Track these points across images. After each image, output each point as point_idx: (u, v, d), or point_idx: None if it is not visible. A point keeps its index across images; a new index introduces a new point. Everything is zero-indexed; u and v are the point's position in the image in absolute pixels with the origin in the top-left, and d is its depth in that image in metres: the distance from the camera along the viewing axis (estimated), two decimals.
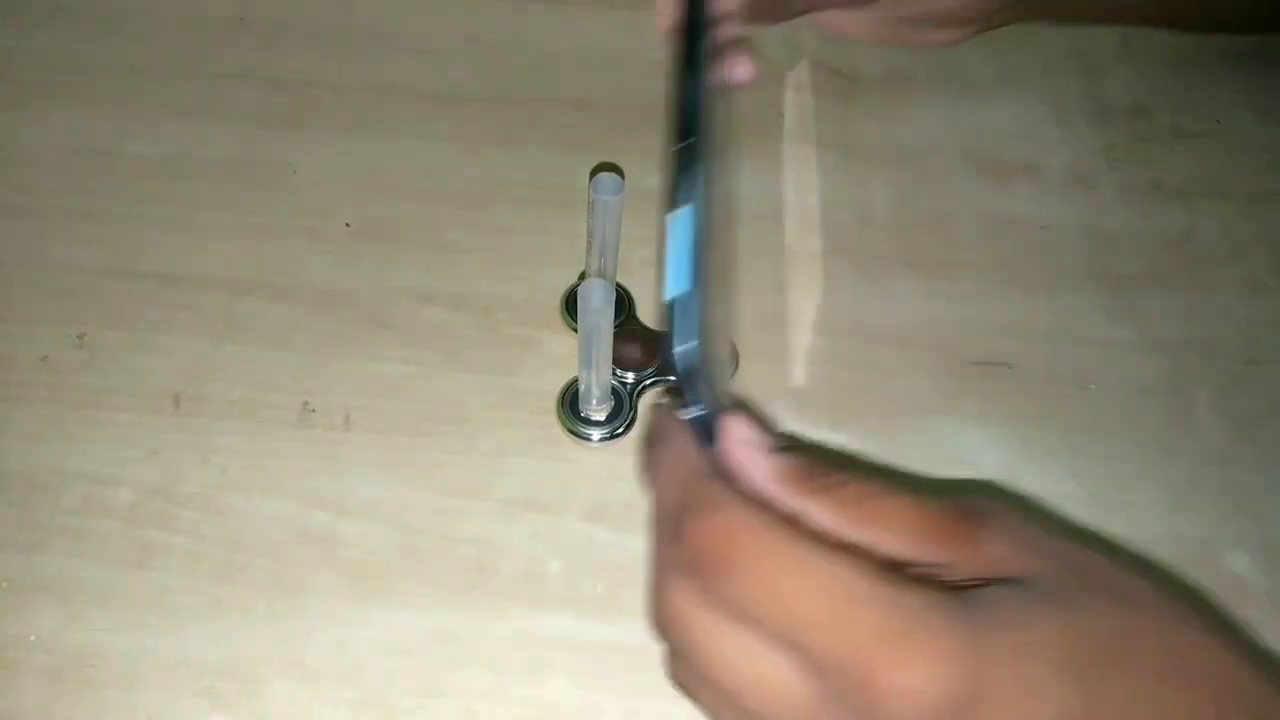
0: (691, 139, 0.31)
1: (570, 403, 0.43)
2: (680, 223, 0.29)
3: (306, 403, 0.44)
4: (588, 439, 0.43)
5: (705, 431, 0.30)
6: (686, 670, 0.29)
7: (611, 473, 0.42)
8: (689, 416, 0.30)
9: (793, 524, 0.27)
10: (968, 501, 0.29)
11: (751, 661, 0.27)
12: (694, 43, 0.34)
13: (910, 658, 0.25)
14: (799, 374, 0.45)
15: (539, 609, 0.39)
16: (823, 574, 0.26)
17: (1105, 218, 0.52)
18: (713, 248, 0.30)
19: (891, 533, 0.28)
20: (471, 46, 0.58)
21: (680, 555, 0.27)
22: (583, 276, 0.47)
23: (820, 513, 0.28)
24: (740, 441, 0.29)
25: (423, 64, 0.56)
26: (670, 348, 0.28)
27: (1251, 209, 0.52)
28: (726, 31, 0.41)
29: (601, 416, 0.43)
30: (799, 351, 0.46)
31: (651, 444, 0.31)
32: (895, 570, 0.27)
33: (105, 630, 0.38)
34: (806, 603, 0.25)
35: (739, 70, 0.42)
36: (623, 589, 0.39)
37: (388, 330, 0.46)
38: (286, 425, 0.43)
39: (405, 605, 0.39)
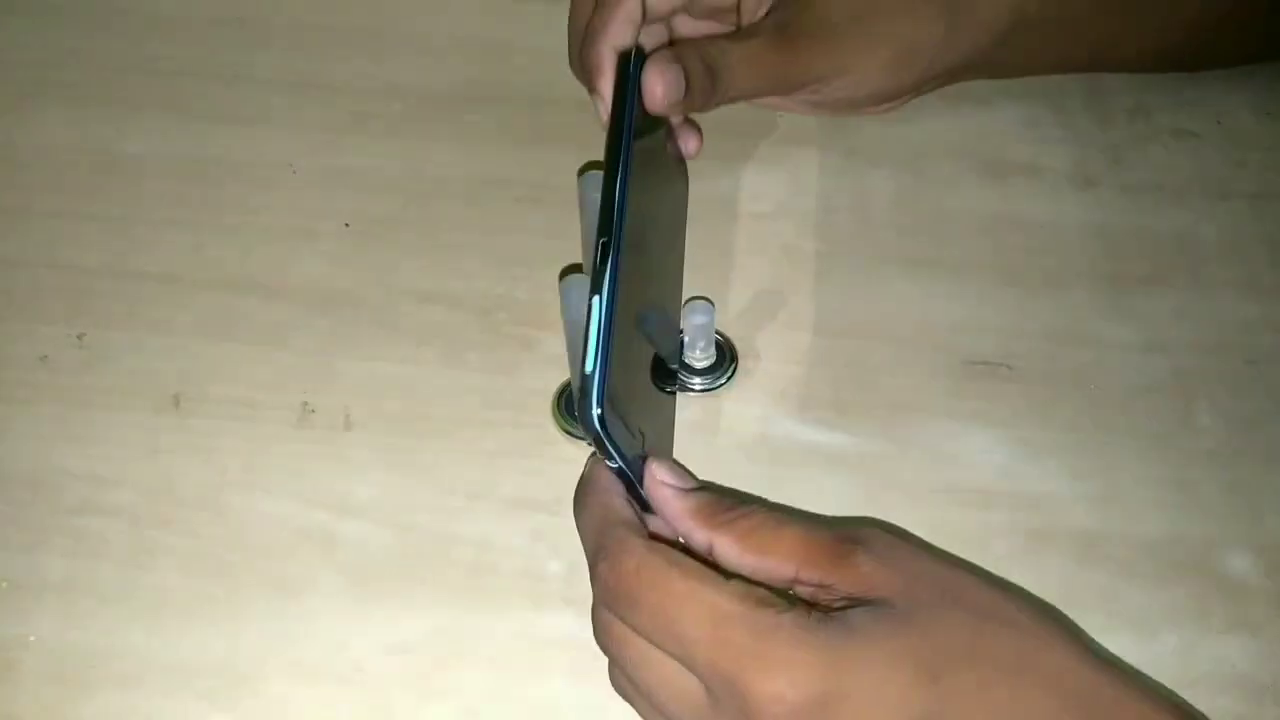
0: (606, 238, 0.36)
1: (565, 403, 0.44)
2: (595, 309, 0.35)
3: (306, 403, 0.44)
4: (582, 438, 0.43)
5: (626, 478, 0.36)
6: (619, 677, 0.35)
7: None
8: (611, 466, 0.36)
9: (686, 559, 0.32)
10: (848, 530, 0.34)
11: (659, 671, 0.32)
12: (617, 147, 0.39)
13: (773, 667, 0.30)
14: (798, 374, 0.45)
15: (539, 609, 0.39)
16: (704, 602, 0.31)
17: (1106, 218, 0.52)
18: (626, 327, 0.36)
19: (783, 558, 0.33)
20: (471, 46, 0.58)
21: (598, 589, 0.34)
22: (563, 274, 0.47)
23: (725, 543, 0.34)
24: (661, 483, 0.35)
25: (423, 64, 0.56)
26: (584, 413, 0.34)
27: (1252, 209, 0.52)
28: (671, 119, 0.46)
29: None
30: (798, 351, 0.46)
31: (578, 492, 0.37)
32: (787, 589, 0.33)
33: (105, 630, 0.38)
34: (691, 627, 0.31)
35: (689, 145, 0.48)
36: None
37: (388, 330, 0.46)
38: (286, 425, 0.43)
39: (405, 605, 0.39)
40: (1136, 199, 0.52)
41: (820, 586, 0.33)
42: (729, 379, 0.45)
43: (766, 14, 0.48)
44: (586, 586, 0.39)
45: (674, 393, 0.44)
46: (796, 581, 0.33)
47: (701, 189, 0.50)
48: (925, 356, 0.46)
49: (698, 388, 0.44)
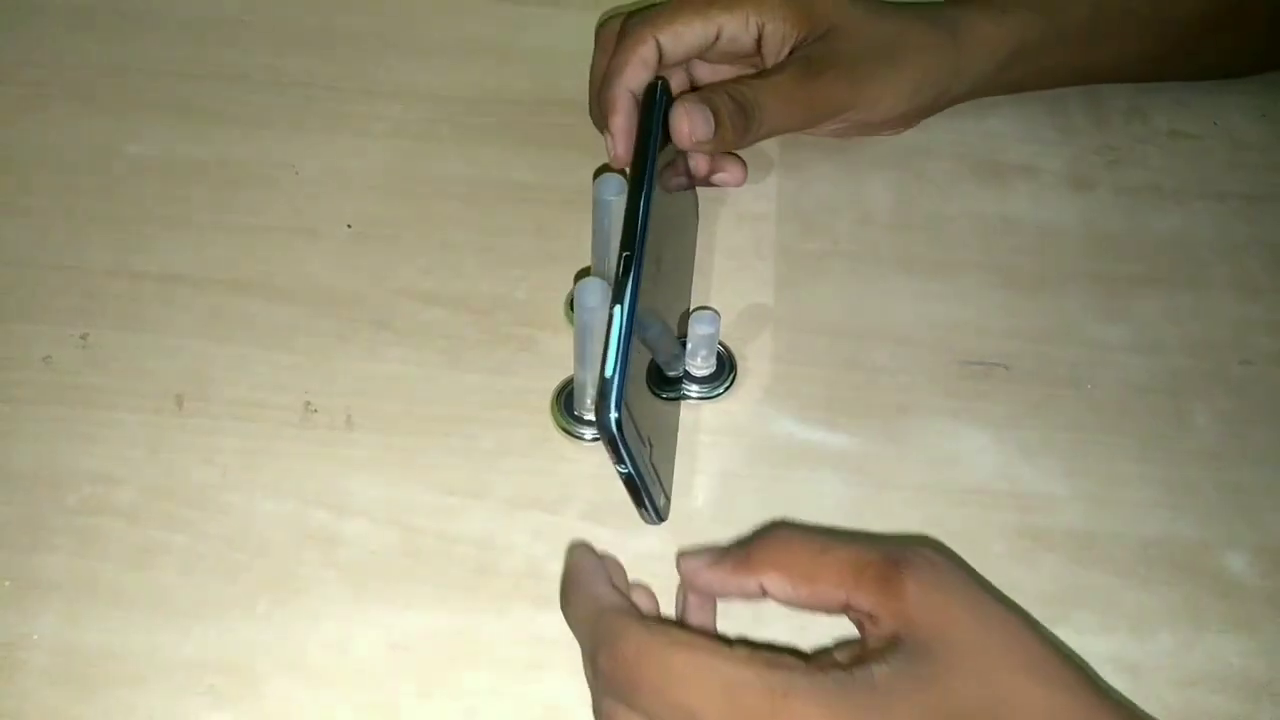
0: (628, 252, 0.38)
1: (565, 402, 0.44)
2: (616, 318, 0.36)
3: (308, 403, 0.44)
4: (581, 437, 0.43)
5: (634, 485, 0.37)
6: None
7: (611, 472, 0.42)
8: (621, 472, 0.37)
9: (686, 633, 0.32)
10: (897, 551, 0.33)
11: None
12: (642, 169, 0.41)
13: None
14: (798, 374, 0.46)
15: (539, 609, 0.39)
16: (713, 673, 0.31)
17: (1102, 219, 0.52)
18: (641, 337, 0.38)
19: (833, 584, 0.33)
20: (471, 47, 0.58)
21: (600, 681, 0.33)
22: (579, 276, 0.47)
23: (774, 580, 0.34)
24: (692, 566, 0.35)
25: (423, 64, 0.57)
26: (602, 414, 0.35)
27: (1248, 210, 0.52)
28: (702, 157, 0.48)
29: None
30: (798, 352, 0.46)
31: (564, 587, 0.36)
32: (840, 612, 0.33)
33: (107, 629, 0.38)
34: (702, 700, 0.30)
35: (731, 176, 0.50)
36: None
37: (388, 330, 0.46)
38: (288, 425, 0.43)
39: (405, 605, 0.39)
40: (1133, 200, 0.53)
41: (869, 617, 0.32)
42: (726, 389, 0.45)
43: (790, 53, 0.49)
44: None
45: (675, 400, 0.44)
46: (848, 608, 0.33)
47: (702, 189, 0.51)
48: (923, 357, 0.46)
49: (695, 395, 0.45)
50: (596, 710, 0.33)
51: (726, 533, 0.41)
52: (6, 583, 0.39)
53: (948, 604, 0.32)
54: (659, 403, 0.42)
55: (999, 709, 0.31)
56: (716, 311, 0.43)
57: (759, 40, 0.49)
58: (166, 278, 0.47)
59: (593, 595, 0.35)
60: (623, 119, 0.47)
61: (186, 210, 0.50)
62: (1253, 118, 0.56)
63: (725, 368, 0.45)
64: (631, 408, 0.36)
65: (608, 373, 0.35)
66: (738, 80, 0.48)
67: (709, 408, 0.45)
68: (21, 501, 0.41)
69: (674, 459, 0.43)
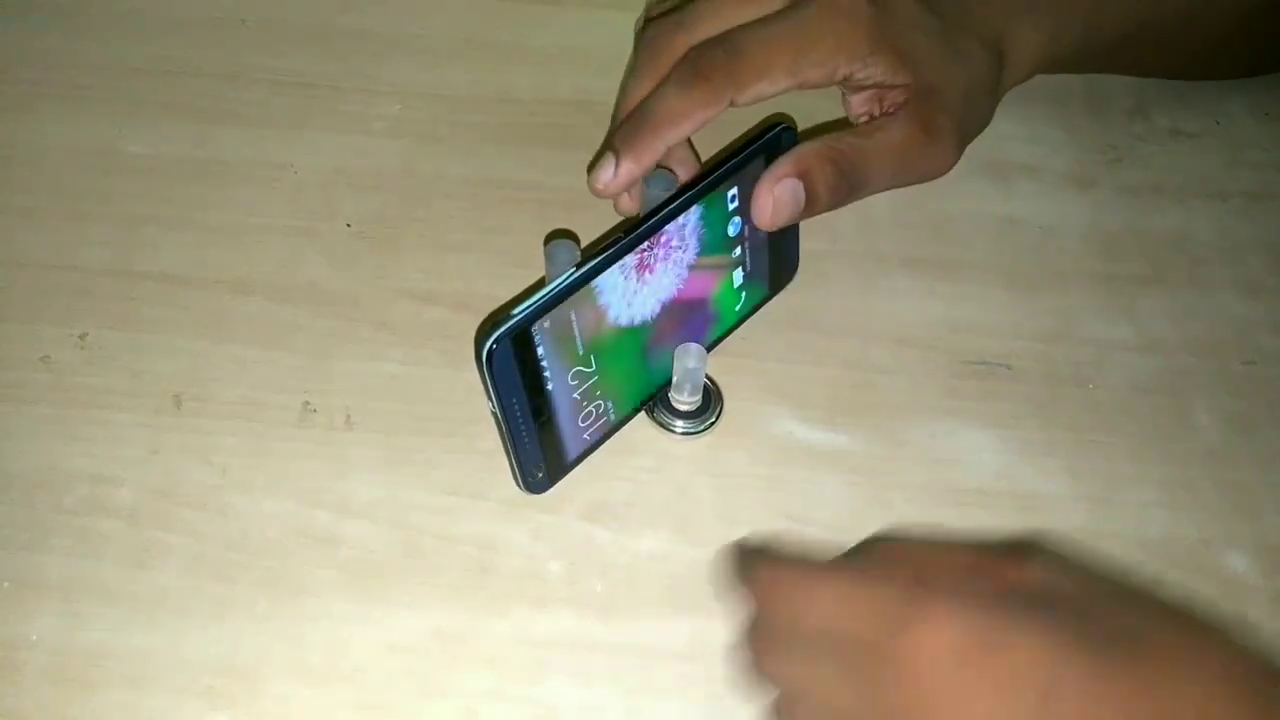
0: (622, 235, 0.39)
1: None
2: (567, 276, 0.38)
3: (307, 403, 0.44)
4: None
5: (500, 433, 0.39)
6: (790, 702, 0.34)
7: (612, 473, 0.43)
8: (490, 409, 0.38)
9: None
10: (1016, 544, 0.34)
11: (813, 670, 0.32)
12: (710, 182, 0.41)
13: (910, 624, 0.30)
14: (798, 374, 0.46)
15: (539, 609, 0.39)
16: (841, 581, 0.32)
17: (1104, 218, 0.52)
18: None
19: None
20: (471, 46, 0.58)
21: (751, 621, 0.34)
22: (548, 239, 0.48)
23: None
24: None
25: (423, 64, 0.56)
26: (480, 340, 0.37)
27: (1250, 210, 0.52)
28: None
29: None
30: (799, 352, 0.46)
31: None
32: None
33: (106, 630, 0.38)
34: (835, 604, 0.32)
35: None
36: (623, 589, 0.40)
37: (388, 330, 0.46)
38: (287, 425, 0.43)
39: (405, 605, 0.39)
40: (1135, 200, 0.52)
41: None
42: (711, 425, 0.44)
43: (881, 105, 0.46)
44: (587, 587, 0.40)
45: (630, 415, 0.44)
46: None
47: None
48: (925, 356, 0.46)
49: (679, 431, 0.44)
50: (754, 659, 0.34)
51: (726, 533, 0.41)
52: (5, 583, 0.39)
53: (1075, 578, 0.32)
54: (596, 396, 0.41)
55: (1141, 636, 0.30)
56: (704, 346, 0.42)
57: (840, 83, 0.45)
58: (165, 278, 0.47)
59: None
60: (640, 170, 0.43)
61: (186, 210, 0.50)
62: (1255, 117, 0.56)
63: (712, 401, 0.44)
64: (547, 370, 0.38)
65: (515, 308, 0.37)
66: (843, 139, 0.43)
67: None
68: (20, 502, 0.40)
69: (584, 457, 0.42)
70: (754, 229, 0.43)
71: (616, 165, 0.42)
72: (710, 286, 0.44)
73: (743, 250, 0.44)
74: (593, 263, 0.38)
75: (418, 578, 0.40)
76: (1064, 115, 0.56)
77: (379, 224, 0.50)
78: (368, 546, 0.40)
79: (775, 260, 0.46)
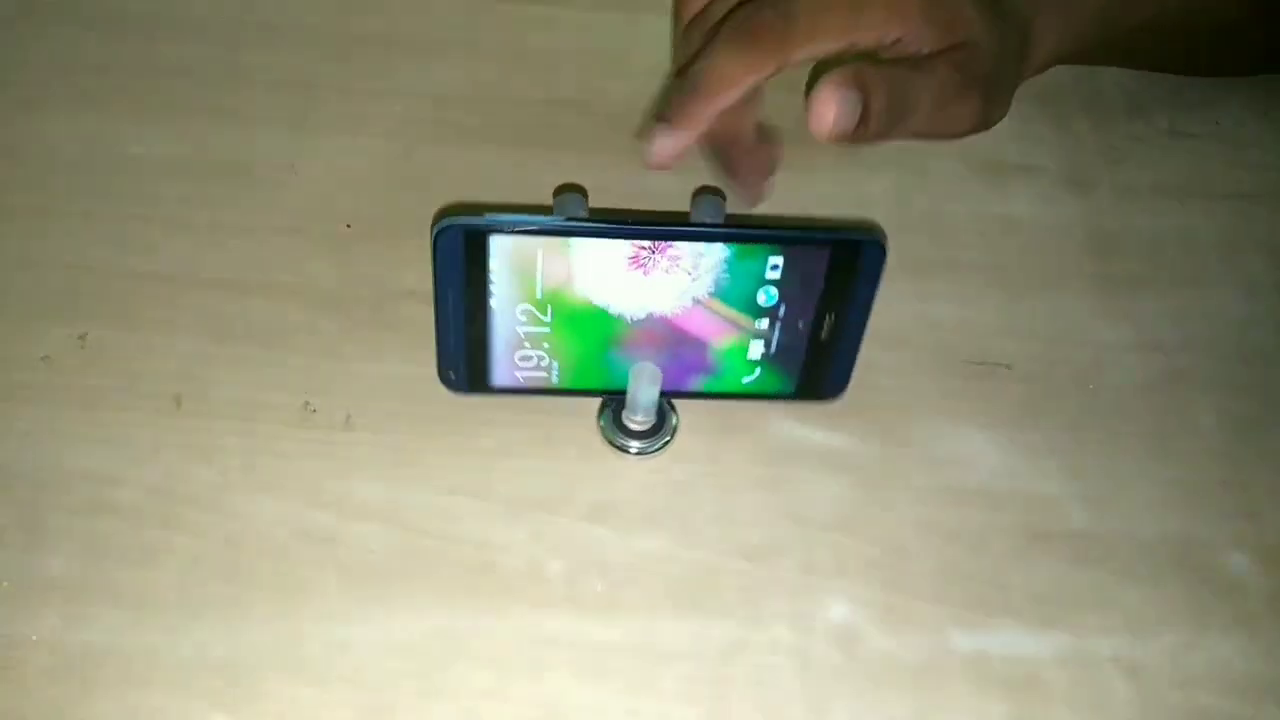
0: (634, 226, 0.39)
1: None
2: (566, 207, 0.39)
3: (307, 403, 0.44)
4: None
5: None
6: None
7: (612, 472, 0.43)
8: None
9: None
10: None
11: None
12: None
13: None
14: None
15: (539, 609, 0.39)
16: None
17: (1103, 218, 0.52)
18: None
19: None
20: (471, 47, 0.58)
21: None
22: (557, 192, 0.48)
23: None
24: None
25: (422, 64, 0.56)
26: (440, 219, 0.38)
27: (1249, 210, 0.52)
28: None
29: None
30: None
31: None
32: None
33: (107, 630, 0.38)
34: None
35: (753, 195, 0.48)
36: (623, 588, 0.40)
37: (388, 330, 0.46)
38: (287, 425, 0.43)
39: (405, 605, 0.39)
40: (1134, 200, 0.52)
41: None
42: (664, 447, 0.43)
43: (929, 54, 0.43)
44: (587, 587, 0.40)
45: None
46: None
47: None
48: (924, 356, 0.46)
49: (634, 451, 0.43)
50: None
51: (726, 533, 0.41)
52: (5, 583, 0.39)
53: None
54: (543, 347, 0.42)
55: None
56: (658, 369, 0.42)
57: (889, 47, 0.43)
58: (165, 277, 0.47)
59: None
60: (692, 140, 0.41)
61: (186, 210, 0.50)
62: (1254, 117, 0.56)
63: (666, 421, 0.43)
64: (493, 285, 0.39)
65: (489, 214, 0.38)
66: (893, 67, 0.41)
67: (710, 406, 0.44)
68: (20, 501, 0.40)
69: (514, 394, 0.43)
70: (792, 313, 0.41)
71: (669, 134, 0.41)
72: (715, 336, 0.42)
73: (771, 327, 0.42)
74: (578, 224, 0.38)
75: (418, 578, 0.40)
76: (1063, 115, 0.56)
77: (379, 224, 0.50)
78: (368, 546, 0.40)
79: (814, 363, 0.43)
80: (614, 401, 0.44)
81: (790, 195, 0.51)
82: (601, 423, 0.43)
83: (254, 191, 0.51)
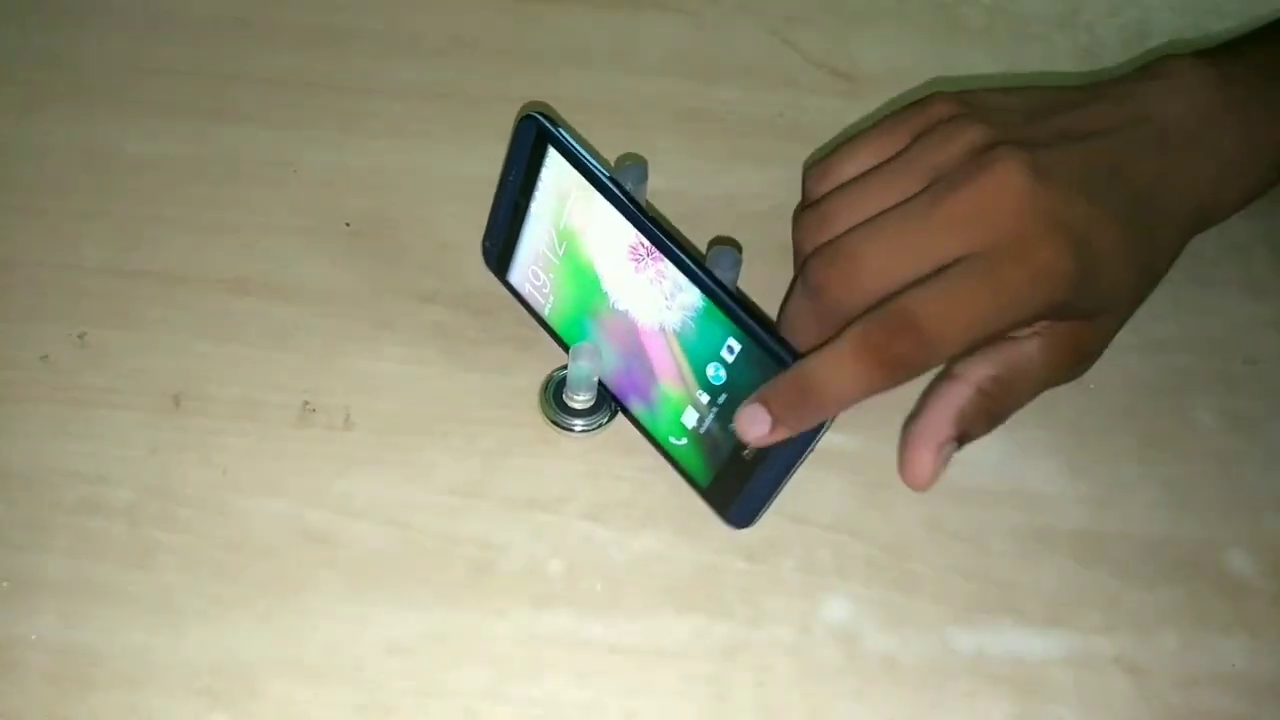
0: (650, 224, 0.40)
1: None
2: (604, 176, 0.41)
3: (307, 402, 0.44)
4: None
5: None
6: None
7: (611, 472, 0.42)
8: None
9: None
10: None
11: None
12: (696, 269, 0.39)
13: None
14: None
15: (539, 609, 0.39)
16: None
17: None
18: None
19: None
20: (471, 46, 0.58)
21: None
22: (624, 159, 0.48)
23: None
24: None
25: (421, 64, 0.56)
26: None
27: (1251, 209, 0.52)
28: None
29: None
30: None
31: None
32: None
33: (106, 630, 0.38)
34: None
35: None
36: (623, 588, 0.40)
37: (388, 330, 0.46)
38: (287, 425, 0.43)
39: (405, 605, 0.39)
40: None
41: None
42: (603, 425, 0.43)
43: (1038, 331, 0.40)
44: (587, 587, 0.40)
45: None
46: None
47: (702, 188, 0.50)
48: None
49: (578, 429, 0.43)
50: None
51: (726, 533, 0.41)
52: (4, 583, 0.39)
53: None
54: (550, 274, 0.44)
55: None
56: (596, 347, 0.42)
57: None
58: (165, 277, 0.47)
59: None
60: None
61: (186, 210, 0.50)
62: None
63: (605, 402, 0.43)
64: (538, 192, 0.43)
65: (572, 138, 0.41)
66: (989, 378, 0.39)
67: None
68: (19, 501, 0.40)
69: (518, 299, 0.46)
70: (731, 405, 0.38)
71: (771, 429, 0.37)
72: (665, 375, 0.41)
73: (710, 405, 0.39)
74: (613, 190, 0.40)
75: (418, 578, 0.39)
76: None
77: (379, 224, 0.50)
78: (368, 546, 0.40)
79: (732, 474, 0.39)
80: (553, 383, 0.44)
81: (792, 196, 0.51)
82: (542, 401, 0.44)
83: (254, 191, 0.50)
